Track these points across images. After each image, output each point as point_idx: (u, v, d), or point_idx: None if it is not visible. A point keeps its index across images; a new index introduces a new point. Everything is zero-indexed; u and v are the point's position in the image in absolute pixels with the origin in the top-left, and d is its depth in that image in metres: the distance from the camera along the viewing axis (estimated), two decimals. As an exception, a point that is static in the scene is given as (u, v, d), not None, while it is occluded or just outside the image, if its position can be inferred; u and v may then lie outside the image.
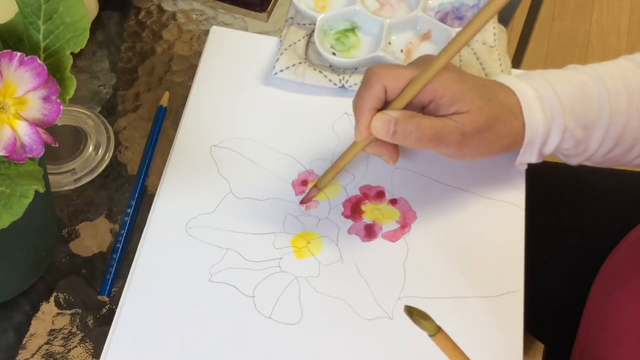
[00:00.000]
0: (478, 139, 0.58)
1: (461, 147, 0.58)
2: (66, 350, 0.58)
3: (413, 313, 0.46)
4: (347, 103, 0.69)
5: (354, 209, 0.64)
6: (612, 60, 0.63)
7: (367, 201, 0.64)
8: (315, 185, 0.63)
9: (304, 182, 0.65)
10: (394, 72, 0.56)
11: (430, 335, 0.47)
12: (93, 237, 0.63)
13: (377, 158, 0.66)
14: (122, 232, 0.62)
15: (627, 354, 0.62)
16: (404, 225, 0.63)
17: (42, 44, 0.49)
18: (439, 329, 0.46)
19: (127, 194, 0.65)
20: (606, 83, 0.60)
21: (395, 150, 0.60)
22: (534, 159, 0.62)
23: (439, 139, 0.56)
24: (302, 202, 0.64)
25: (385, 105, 0.57)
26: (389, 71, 0.57)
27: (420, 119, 0.56)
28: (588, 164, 0.65)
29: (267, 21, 0.76)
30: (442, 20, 0.72)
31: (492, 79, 0.61)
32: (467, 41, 0.54)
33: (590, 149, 0.61)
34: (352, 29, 0.72)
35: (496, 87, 0.59)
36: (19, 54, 0.44)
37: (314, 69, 0.69)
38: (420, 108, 0.58)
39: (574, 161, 0.64)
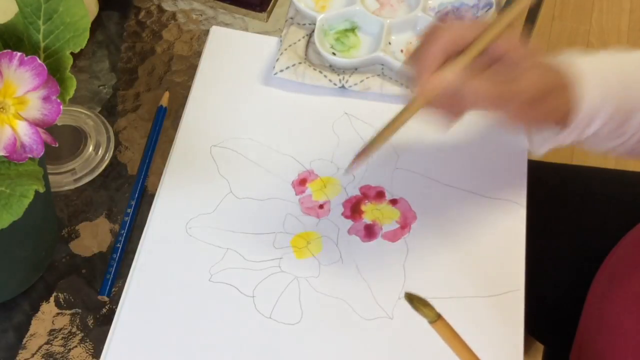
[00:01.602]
0: (535, 107, 0.55)
1: (518, 114, 0.55)
2: (66, 350, 0.58)
3: (413, 300, 0.46)
4: (347, 103, 0.69)
5: (354, 209, 0.64)
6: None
7: (367, 201, 0.64)
8: (363, 151, 0.57)
9: (304, 182, 0.65)
10: (458, 28, 0.54)
11: (430, 323, 0.46)
12: (93, 237, 0.63)
13: (377, 157, 0.66)
14: (122, 232, 0.62)
15: (624, 354, 0.62)
16: (404, 225, 0.63)
17: (42, 44, 0.49)
18: (439, 316, 0.46)
19: (127, 194, 0.65)
20: None
21: (455, 112, 0.57)
22: (569, 140, 0.59)
23: (500, 102, 0.54)
24: (351, 165, 0.58)
25: (449, 61, 0.54)
26: (453, 27, 0.54)
27: (484, 80, 0.54)
28: (614, 155, 0.63)
29: (267, 21, 0.76)
30: (442, 20, 0.72)
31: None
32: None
33: (628, 133, 0.60)
34: (352, 29, 0.72)
35: (556, 61, 0.58)
36: (19, 54, 0.44)
37: (314, 69, 0.69)
38: (484, 67, 0.55)
39: (604, 146, 0.61)
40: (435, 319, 0.46)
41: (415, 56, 0.55)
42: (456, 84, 0.53)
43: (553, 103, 0.57)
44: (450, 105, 0.56)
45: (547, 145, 0.61)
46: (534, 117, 0.57)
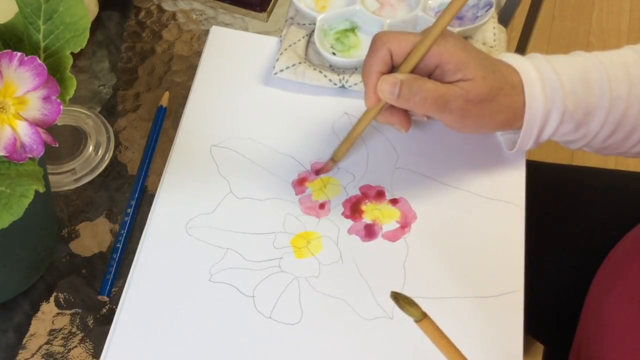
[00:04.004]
0: (481, 109, 0.58)
1: (464, 115, 0.58)
2: (66, 350, 0.58)
3: (399, 299, 0.47)
4: (347, 103, 0.69)
5: (354, 209, 0.64)
6: (615, 49, 0.63)
7: (367, 201, 0.64)
8: (331, 158, 0.65)
9: (304, 182, 0.65)
10: (399, 36, 0.58)
11: (416, 321, 0.47)
12: (93, 237, 0.63)
13: (377, 157, 0.66)
14: (122, 232, 0.62)
15: (623, 355, 0.62)
16: (404, 225, 0.63)
17: (42, 44, 0.49)
18: (424, 315, 0.47)
19: (127, 194, 0.65)
20: (607, 69, 0.60)
21: (406, 117, 0.61)
22: (531, 142, 0.62)
23: (443, 103, 0.57)
24: (316, 173, 0.65)
25: (392, 70, 0.59)
26: (394, 35, 0.58)
27: (425, 81, 0.58)
28: (587, 150, 0.65)
29: (267, 21, 0.76)
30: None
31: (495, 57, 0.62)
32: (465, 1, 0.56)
33: (590, 134, 0.62)
34: (352, 29, 0.72)
35: (500, 62, 0.61)
36: (19, 54, 0.44)
37: (314, 69, 0.69)
38: (426, 74, 0.59)
39: (574, 146, 0.64)
40: (421, 317, 0.47)
41: (362, 69, 0.60)
42: (396, 89, 0.57)
43: (501, 104, 0.59)
44: (401, 113, 0.60)
45: (517, 146, 0.63)
46: (484, 119, 0.59)
